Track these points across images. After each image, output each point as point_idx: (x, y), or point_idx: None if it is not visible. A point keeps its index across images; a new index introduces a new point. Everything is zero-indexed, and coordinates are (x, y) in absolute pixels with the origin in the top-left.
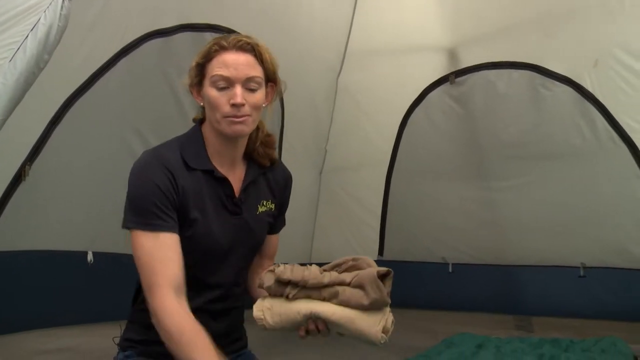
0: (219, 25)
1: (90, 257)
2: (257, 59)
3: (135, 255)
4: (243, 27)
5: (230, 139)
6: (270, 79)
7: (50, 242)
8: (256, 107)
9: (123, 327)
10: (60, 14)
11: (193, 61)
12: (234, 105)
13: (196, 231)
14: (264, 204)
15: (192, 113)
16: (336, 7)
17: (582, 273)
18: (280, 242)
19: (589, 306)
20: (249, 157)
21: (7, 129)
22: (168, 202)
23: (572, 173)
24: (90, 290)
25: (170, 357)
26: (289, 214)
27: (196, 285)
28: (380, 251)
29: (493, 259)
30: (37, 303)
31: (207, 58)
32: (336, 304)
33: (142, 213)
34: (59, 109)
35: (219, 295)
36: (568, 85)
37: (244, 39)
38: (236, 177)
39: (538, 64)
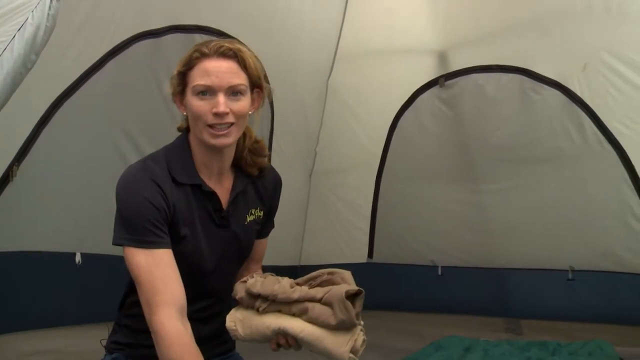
0: (209, 27)
1: (78, 258)
2: (240, 65)
3: (133, 273)
4: (233, 29)
5: (215, 150)
6: (256, 84)
7: (38, 243)
8: (241, 115)
9: (110, 329)
10: (48, 14)
11: (175, 69)
12: (216, 115)
13: (185, 247)
14: (253, 212)
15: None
16: (326, 10)
17: (570, 276)
18: (269, 244)
19: (577, 309)
20: (237, 165)
21: None
22: (161, 218)
23: (560, 176)
24: (78, 292)
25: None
26: (278, 217)
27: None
28: (370, 254)
29: (482, 262)
30: (24, 304)
31: (189, 66)
32: (306, 320)
33: (135, 230)
34: (47, 109)
35: (208, 304)
36: (557, 89)
37: (226, 44)
38: (224, 188)
39: (527, 68)
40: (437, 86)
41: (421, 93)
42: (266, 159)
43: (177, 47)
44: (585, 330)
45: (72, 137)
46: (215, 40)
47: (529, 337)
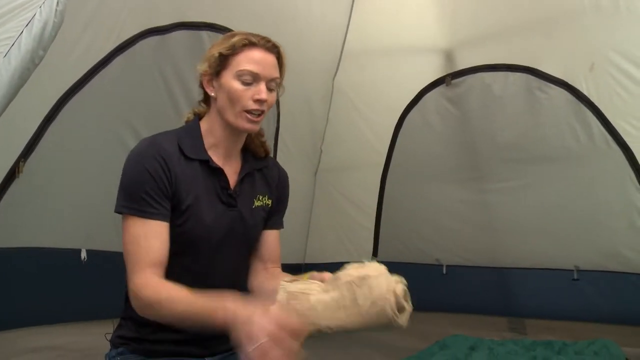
0: (216, 24)
1: (84, 254)
2: (279, 62)
3: (123, 240)
4: (240, 26)
5: (236, 133)
6: (281, 82)
7: (44, 239)
8: (270, 106)
9: (116, 325)
10: (56, 9)
11: (214, 50)
12: (257, 101)
13: (189, 218)
14: (260, 198)
15: (188, 111)
16: (333, 8)
17: (575, 276)
18: None
19: (582, 309)
20: (245, 150)
21: (2, 125)
22: (159, 190)
23: (566, 176)
24: (83, 288)
25: (163, 354)
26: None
27: (191, 279)
28: (375, 252)
29: (487, 261)
30: (29, 300)
31: (234, 51)
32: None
33: (133, 199)
34: (54, 105)
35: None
36: (564, 88)
37: (272, 40)
38: (232, 170)
39: (534, 67)
40: (444, 85)
41: (427, 92)
42: (267, 142)
43: (183, 44)
44: (590, 330)
45: (79, 133)
46: (258, 34)
47: (534, 337)
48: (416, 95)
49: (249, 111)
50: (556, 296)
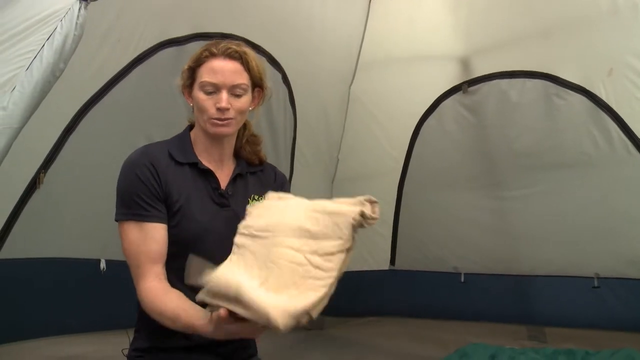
0: (232, 35)
1: (103, 264)
2: (244, 67)
3: (122, 247)
4: (256, 36)
5: (216, 138)
6: (257, 84)
7: (64, 249)
8: (241, 111)
9: (131, 336)
10: (77, 22)
11: (186, 64)
12: (219, 109)
13: (182, 219)
14: (256, 198)
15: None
16: (348, 17)
17: (596, 284)
18: None
19: (603, 317)
20: (237, 155)
21: (23, 137)
22: (151, 194)
23: (585, 183)
24: (102, 298)
25: None
26: None
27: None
28: (392, 261)
29: (505, 269)
30: (49, 310)
31: (198, 63)
32: None
33: (127, 205)
34: (74, 117)
35: None
36: (582, 94)
37: (233, 47)
38: (224, 173)
39: (551, 73)
40: (460, 92)
41: (444, 99)
42: (263, 151)
43: None
44: (611, 338)
45: (98, 144)
46: (224, 42)
47: (554, 346)
48: (433, 103)
49: (212, 118)
50: (576, 304)
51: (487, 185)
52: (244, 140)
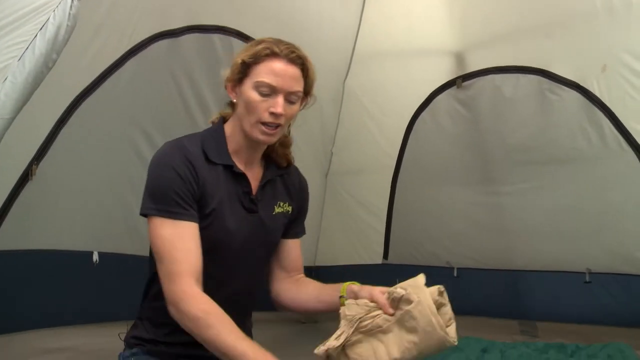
0: (227, 27)
1: (95, 257)
2: (303, 73)
3: (153, 243)
4: (251, 29)
5: (255, 143)
6: (307, 92)
7: (57, 241)
8: (289, 119)
9: (128, 327)
10: (70, 13)
11: (238, 57)
12: (272, 114)
13: (212, 223)
14: (281, 205)
15: (199, 114)
16: (344, 10)
17: (588, 279)
18: None
19: (594, 312)
20: (267, 157)
21: (15, 128)
22: (188, 192)
23: (578, 178)
24: (95, 291)
25: (177, 357)
26: None
27: (211, 284)
28: (385, 255)
29: (498, 264)
30: (42, 302)
31: (256, 59)
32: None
33: (162, 200)
34: (67, 108)
35: (234, 291)
36: (576, 90)
37: (297, 51)
38: (254, 176)
39: (545, 69)
40: (454, 87)
41: (438, 94)
42: (292, 154)
43: (195, 47)
44: (603, 333)
45: (91, 136)
46: (285, 43)
47: (545, 340)
48: (427, 98)
49: (264, 123)
50: (568, 299)
51: (480, 180)
52: (277, 143)
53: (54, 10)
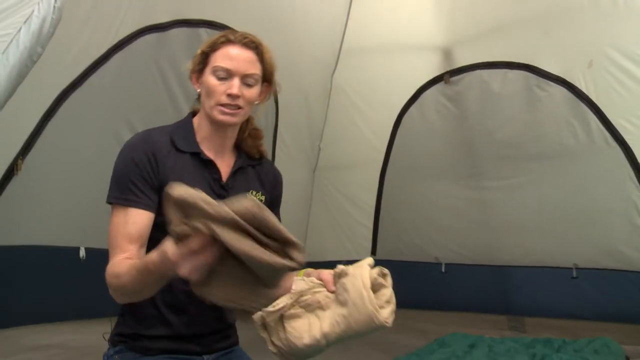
0: (213, 21)
1: (82, 253)
2: (259, 57)
3: (108, 229)
4: (238, 23)
5: (220, 127)
6: (267, 78)
7: (43, 237)
8: (249, 102)
9: (114, 324)
10: (54, 6)
11: (199, 49)
12: (229, 96)
13: None
14: (254, 194)
15: (186, 108)
16: (331, 5)
17: (574, 274)
18: None
19: (581, 307)
20: (239, 148)
21: (0, 123)
22: (143, 180)
23: (565, 174)
24: (82, 287)
25: (161, 352)
26: (281, 212)
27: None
28: (373, 250)
29: (486, 259)
30: (28, 299)
31: (213, 48)
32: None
33: (119, 188)
34: (53, 102)
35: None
36: (562, 85)
37: (250, 37)
38: (225, 163)
39: (533, 64)
40: (442, 82)
41: (426, 89)
42: (264, 145)
43: (182, 42)
44: (589, 328)
45: (77, 130)
46: (241, 32)
47: (533, 335)
48: (415, 93)
49: (223, 105)
50: (555, 294)
51: (468, 176)
52: (246, 134)
53: (39, 3)
